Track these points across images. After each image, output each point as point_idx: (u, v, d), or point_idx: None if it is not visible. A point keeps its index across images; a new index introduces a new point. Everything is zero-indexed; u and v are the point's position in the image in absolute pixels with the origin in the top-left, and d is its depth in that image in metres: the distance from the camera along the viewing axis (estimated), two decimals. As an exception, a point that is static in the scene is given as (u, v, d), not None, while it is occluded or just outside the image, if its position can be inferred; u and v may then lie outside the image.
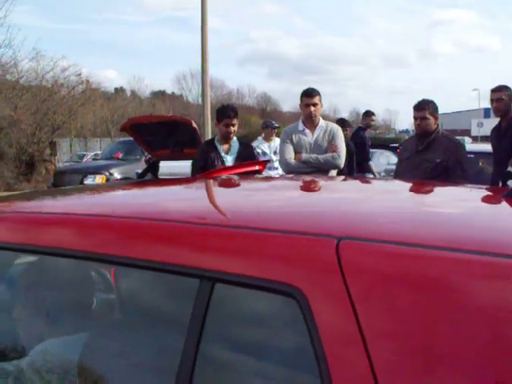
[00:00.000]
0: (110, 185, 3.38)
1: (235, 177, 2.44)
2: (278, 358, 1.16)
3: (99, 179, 12.91)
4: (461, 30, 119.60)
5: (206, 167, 4.75)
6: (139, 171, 10.51)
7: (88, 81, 26.32)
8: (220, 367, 1.23)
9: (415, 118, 4.77)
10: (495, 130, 5.50)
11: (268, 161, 6.59)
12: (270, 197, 1.82)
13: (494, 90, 5.33)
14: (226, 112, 5.07)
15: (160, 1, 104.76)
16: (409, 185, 2.39)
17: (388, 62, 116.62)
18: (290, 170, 4.92)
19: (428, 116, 4.69)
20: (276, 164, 7.45)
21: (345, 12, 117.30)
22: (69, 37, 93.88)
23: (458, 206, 1.64)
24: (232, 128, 5.02)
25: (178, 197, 1.93)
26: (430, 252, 1.02)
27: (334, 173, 4.97)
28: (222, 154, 4.99)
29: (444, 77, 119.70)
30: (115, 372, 1.50)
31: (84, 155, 25.79)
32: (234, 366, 1.23)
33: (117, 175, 13.09)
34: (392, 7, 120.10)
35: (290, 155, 4.95)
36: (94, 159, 17.65)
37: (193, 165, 5.67)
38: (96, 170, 13.39)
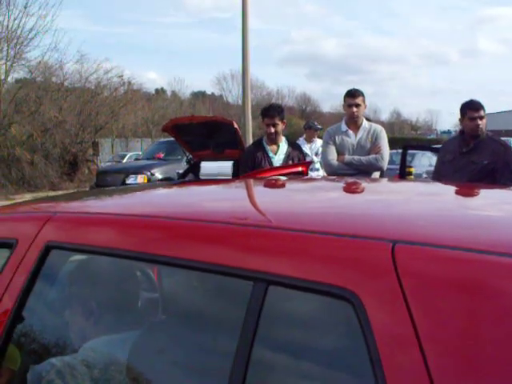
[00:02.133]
0: (157, 185, 3.41)
1: (282, 178, 2.44)
2: (332, 362, 1.15)
3: (141, 179, 13.09)
4: (507, 27, 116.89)
5: (253, 168, 4.71)
6: (180, 171, 10.61)
7: (130, 82, 26.77)
8: (273, 371, 1.23)
9: (473, 118, 4.55)
10: None
11: (311, 162, 6.57)
12: (321, 199, 1.82)
13: None
14: (267, 111, 5.00)
15: (201, 2, 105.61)
16: (460, 187, 2.35)
17: (430, 61, 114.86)
18: (333, 172, 4.89)
19: (484, 115, 4.57)
20: (317, 165, 7.44)
21: (386, 11, 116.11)
22: (111, 39, 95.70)
23: (512, 209, 1.60)
24: (272, 128, 4.91)
25: (228, 198, 1.94)
26: (485, 257, 1.00)
27: (376, 175, 4.91)
28: (270, 155, 4.92)
29: (487, 76, 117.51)
30: (162, 372, 1.51)
31: (125, 155, 26.19)
32: (288, 370, 1.22)
33: (158, 175, 13.24)
34: (435, 5, 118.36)
35: (333, 156, 4.92)
36: (135, 159, 17.89)
37: (234, 165, 5.67)
38: (138, 170, 13.57)
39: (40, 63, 20.67)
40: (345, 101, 5.03)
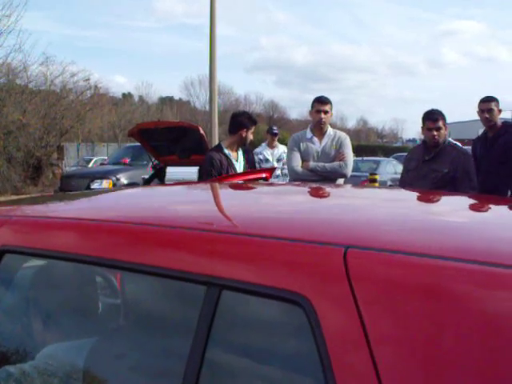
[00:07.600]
0: (118, 190, 3.39)
1: (243, 183, 2.44)
2: (284, 365, 1.16)
3: (106, 184, 12.99)
4: (470, 39, 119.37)
5: (219, 174, 4.73)
6: (146, 177, 10.56)
7: (96, 86, 26.50)
8: (226, 373, 1.24)
9: (430, 129, 4.65)
10: (481, 139, 5.49)
11: (275, 168, 6.62)
12: (277, 204, 1.83)
13: (484, 101, 5.30)
14: (255, 120, 5.20)
15: (171, 8, 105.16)
16: (416, 194, 2.39)
17: (397, 71, 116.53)
18: (297, 178, 4.92)
19: (442, 126, 4.66)
20: (278, 171, 7.48)
21: (354, 20, 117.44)
22: (79, 42, 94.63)
23: (466, 215, 1.64)
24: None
25: (185, 203, 1.94)
26: (436, 261, 1.02)
27: (341, 181, 4.97)
28: (233, 162, 4.99)
29: (452, 86, 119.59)
30: (120, 377, 1.51)
31: (91, 159, 25.87)
32: (240, 372, 1.23)
33: (123, 180, 13.15)
34: (402, 16, 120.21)
35: (298, 163, 4.95)
36: (101, 164, 17.71)
37: (200, 171, 5.66)
38: (103, 175, 13.46)
39: (3, 64, 20.27)
40: (313, 106, 5.06)
